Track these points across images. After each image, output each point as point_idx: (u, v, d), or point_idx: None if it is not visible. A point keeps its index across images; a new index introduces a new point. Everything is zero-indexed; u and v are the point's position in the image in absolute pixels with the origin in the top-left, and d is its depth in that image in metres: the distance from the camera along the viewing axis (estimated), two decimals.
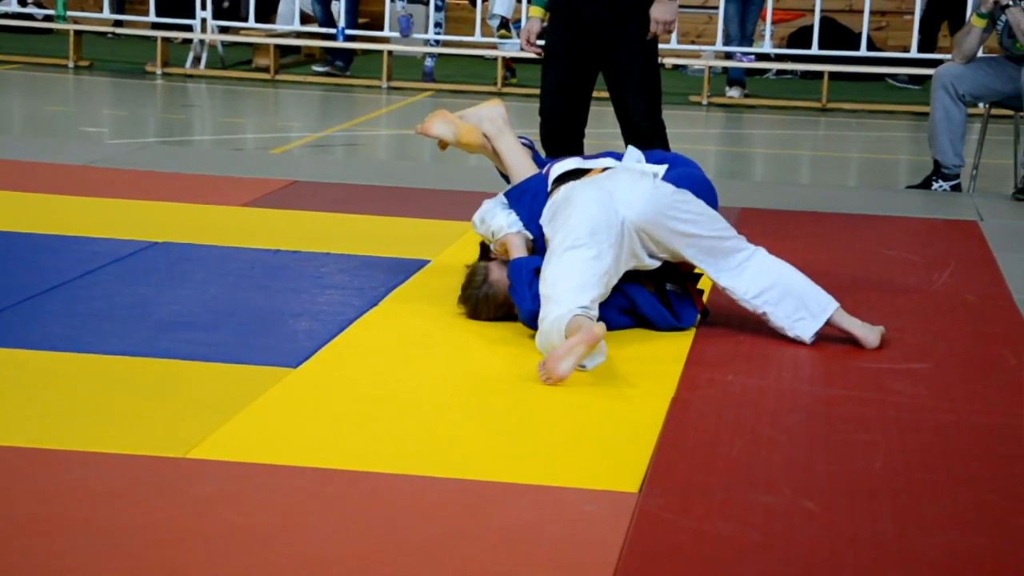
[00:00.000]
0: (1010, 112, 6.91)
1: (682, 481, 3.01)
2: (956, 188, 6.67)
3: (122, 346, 3.81)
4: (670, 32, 5.27)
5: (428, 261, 4.87)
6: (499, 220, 4.17)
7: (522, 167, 4.20)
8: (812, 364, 3.84)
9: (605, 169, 4.16)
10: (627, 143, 5.23)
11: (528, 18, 5.40)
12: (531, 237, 4.16)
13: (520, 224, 4.17)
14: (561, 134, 5.20)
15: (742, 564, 2.62)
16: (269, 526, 2.70)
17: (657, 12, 5.06)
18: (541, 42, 5.34)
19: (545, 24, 5.30)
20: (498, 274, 4.13)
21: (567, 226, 3.92)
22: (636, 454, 3.13)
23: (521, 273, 4.01)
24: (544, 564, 2.58)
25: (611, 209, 3.94)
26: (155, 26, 11.64)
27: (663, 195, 4.01)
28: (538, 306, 3.89)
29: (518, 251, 4.11)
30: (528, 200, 4.12)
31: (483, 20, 11.16)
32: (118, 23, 12.47)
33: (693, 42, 12.11)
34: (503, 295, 4.10)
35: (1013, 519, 2.86)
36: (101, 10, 12.24)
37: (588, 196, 3.98)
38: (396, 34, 11.39)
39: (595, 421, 3.40)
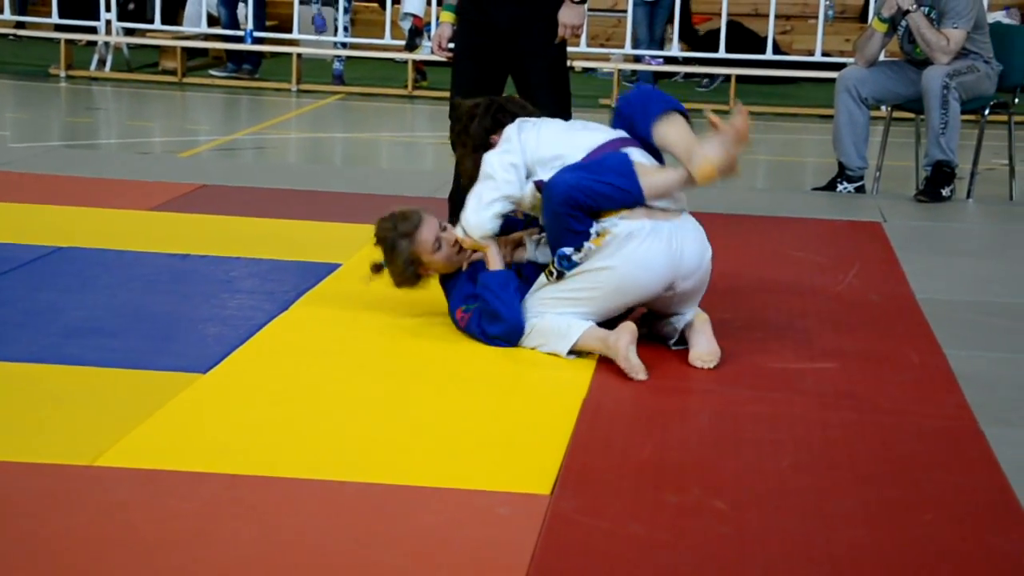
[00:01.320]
0: (911, 115, 7.04)
1: (594, 482, 3.03)
2: (860, 190, 6.78)
3: (26, 353, 3.75)
4: (578, 36, 5.28)
5: (339, 265, 4.85)
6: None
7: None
8: (720, 365, 3.88)
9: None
10: None
11: (439, 23, 5.40)
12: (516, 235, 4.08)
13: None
14: None
15: (653, 564, 2.64)
16: (179, 533, 2.68)
17: (565, 16, 5.08)
18: (452, 45, 5.34)
19: (455, 28, 5.31)
20: (425, 236, 4.05)
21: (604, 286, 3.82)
22: (548, 456, 3.15)
23: (507, 288, 3.94)
24: (456, 567, 2.59)
25: (668, 275, 3.84)
26: (58, 28, 11.47)
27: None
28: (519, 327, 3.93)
29: (496, 262, 4.00)
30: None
31: (393, 23, 11.14)
32: (20, 24, 12.27)
33: (602, 45, 12.20)
34: (409, 257, 4.05)
35: (916, 514, 2.92)
36: (2, 11, 12.03)
37: (658, 255, 3.81)
38: (306, 36, 11.33)
39: (507, 423, 3.41)
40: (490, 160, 3.97)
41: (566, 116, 5.20)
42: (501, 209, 3.96)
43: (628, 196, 3.79)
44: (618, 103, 4.08)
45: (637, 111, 3.94)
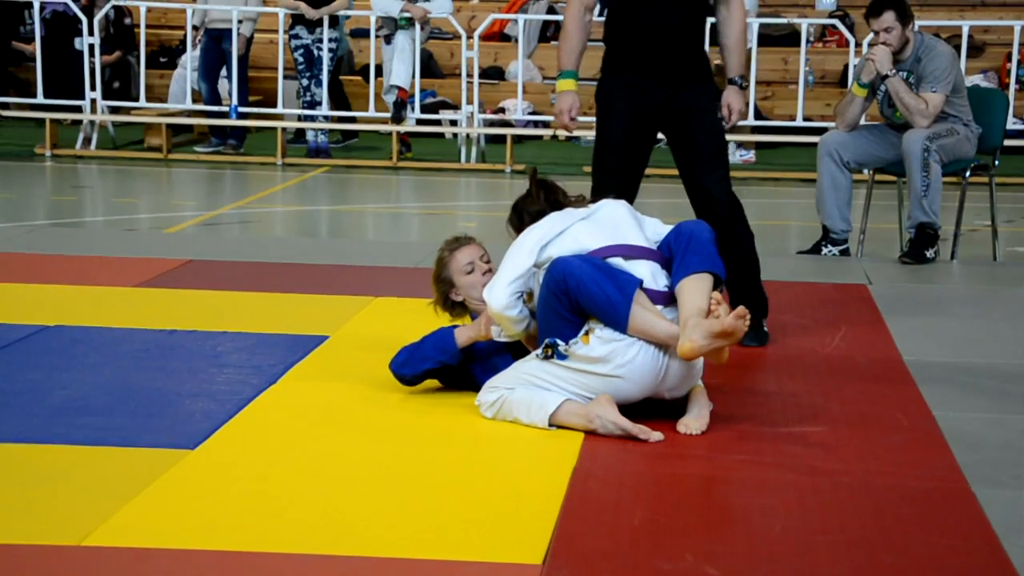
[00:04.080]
0: (893, 178, 7.09)
1: (585, 551, 3.01)
2: (845, 253, 6.81)
3: (12, 433, 3.73)
4: (738, 122, 4.95)
5: (326, 337, 4.85)
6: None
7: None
8: (708, 430, 3.87)
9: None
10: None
11: (562, 92, 5.02)
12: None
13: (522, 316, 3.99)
14: None
15: None
16: None
17: (733, 100, 4.87)
18: (582, 119, 5.07)
19: (608, 89, 4.96)
20: (461, 255, 4.18)
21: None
22: (539, 525, 3.13)
23: (429, 352, 4.06)
24: None
25: (651, 389, 3.88)
26: (43, 107, 11.52)
27: None
28: (405, 371, 4.05)
29: (465, 333, 4.07)
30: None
31: (377, 95, 11.22)
32: (4, 105, 12.33)
33: (585, 114, 12.27)
34: (445, 272, 4.21)
35: None
36: None
37: (643, 367, 3.84)
38: (290, 110, 11.39)
39: (497, 493, 3.40)
40: (522, 240, 4.01)
41: (730, 186, 4.91)
42: (518, 288, 3.94)
43: (613, 313, 3.78)
44: (672, 233, 4.00)
45: (680, 251, 3.92)
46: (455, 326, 4.14)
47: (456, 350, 4.07)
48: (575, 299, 3.80)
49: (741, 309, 3.72)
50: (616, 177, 4.91)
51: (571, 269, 3.82)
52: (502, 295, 3.93)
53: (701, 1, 4.88)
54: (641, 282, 3.84)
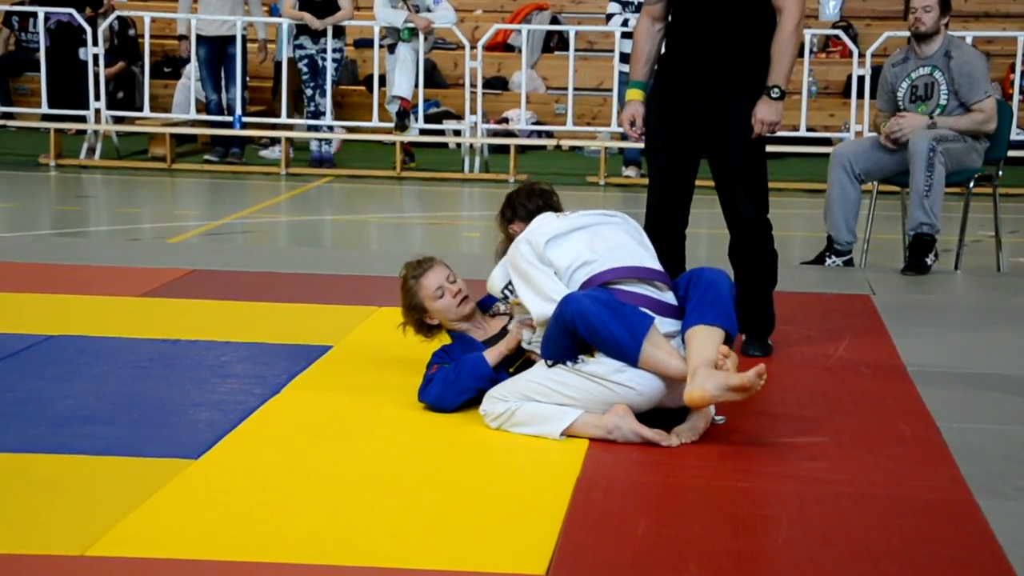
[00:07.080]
0: (897, 189, 7.10)
1: (589, 562, 3.01)
2: (848, 263, 6.82)
3: (15, 443, 3.73)
4: (773, 133, 4.85)
5: (330, 347, 4.85)
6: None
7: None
8: (712, 441, 3.88)
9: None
10: (733, 241, 4.99)
11: (627, 102, 4.97)
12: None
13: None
14: (667, 231, 4.92)
15: None
16: None
17: (762, 112, 4.76)
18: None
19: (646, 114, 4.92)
20: (429, 280, 4.20)
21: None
22: (542, 535, 3.13)
23: (468, 381, 4.05)
24: None
25: (658, 398, 3.87)
26: (48, 117, 11.54)
27: None
28: (445, 405, 4.04)
29: (498, 352, 4.09)
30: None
31: (380, 105, 11.23)
32: (9, 115, 12.35)
33: (588, 124, 12.31)
34: (415, 299, 4.22)
35: None
36: None
37: (651, 379, 3.84)
38: (294, 120, 11.40)
39: (501, 503, 3.40)
40: (531, 238, 4.04)
41: (761, 208, 4.92)
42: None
43: (622, 354, 3.80)
44: (693, 276, 3.99)
45: (696, 298, 3.91)
46: (481, 352, 4.11)
47: (492, 374, 4.07)
48: (583, 340, 3.82)
49: (761, 367, 3.69)
50: (656, 184, 4.97)
51: (581, 310, 3.78)
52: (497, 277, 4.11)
53: (746, 8, 4.78)
54: (653, 320, 3.83)
